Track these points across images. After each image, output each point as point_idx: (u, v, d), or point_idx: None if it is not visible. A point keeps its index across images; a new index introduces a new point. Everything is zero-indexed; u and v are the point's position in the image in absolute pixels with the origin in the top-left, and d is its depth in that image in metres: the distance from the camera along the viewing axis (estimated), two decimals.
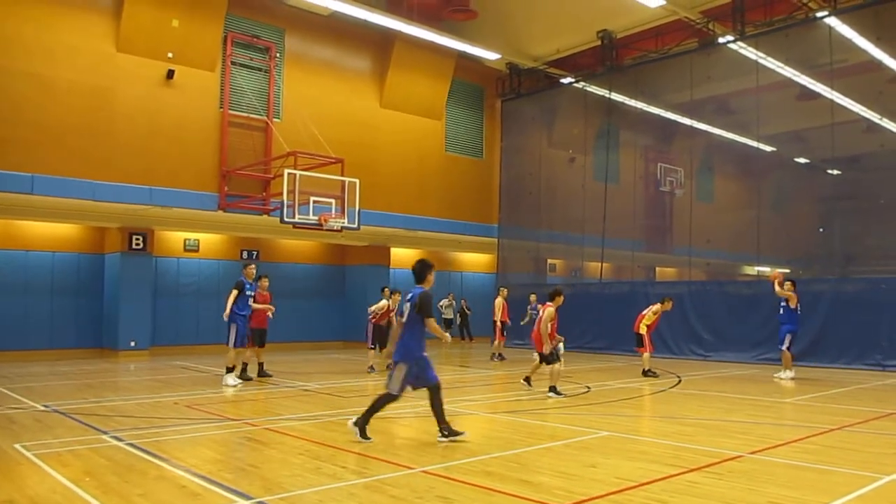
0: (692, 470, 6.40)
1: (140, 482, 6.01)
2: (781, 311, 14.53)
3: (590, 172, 23.48)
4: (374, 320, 15.48)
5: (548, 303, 11.72)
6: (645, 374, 14.64)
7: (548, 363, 11.45)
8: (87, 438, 7.85)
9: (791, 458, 6.94)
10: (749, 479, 6.07)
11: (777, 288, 14.14)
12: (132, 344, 18.93)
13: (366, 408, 7.79)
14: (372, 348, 15.59)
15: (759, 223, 19.15)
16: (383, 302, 15.55)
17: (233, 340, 12.83)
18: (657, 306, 15.11)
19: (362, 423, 7.67)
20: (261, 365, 14.09)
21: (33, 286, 18.90)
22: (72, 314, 19.51)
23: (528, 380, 12.28)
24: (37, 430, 8.45)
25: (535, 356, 12.08)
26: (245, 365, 13.75)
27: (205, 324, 20.12)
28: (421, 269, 8.05)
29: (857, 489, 5.77)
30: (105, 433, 8.13)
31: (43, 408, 10.12)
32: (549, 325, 11.40)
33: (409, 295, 7.94)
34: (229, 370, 12.79)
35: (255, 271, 13.46)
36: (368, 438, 7.60)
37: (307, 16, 20.54)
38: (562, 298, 11.74)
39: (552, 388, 11.24)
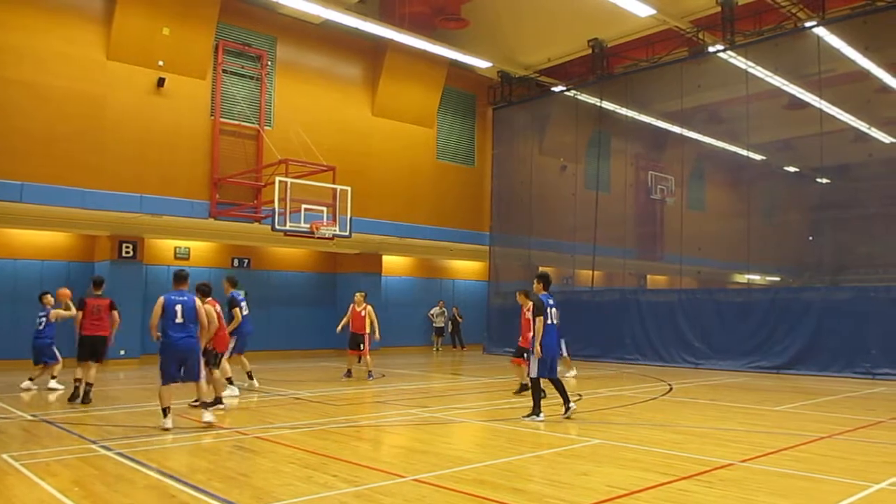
0: (683, 478, 6.41)
1: (129, 491, 5.97)
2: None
3: (581, 180, 23.55)
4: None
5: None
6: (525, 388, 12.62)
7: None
8: (75, 448, 7.80)
9: (782, 467, 6.95)
10: (740, 488, 6.08)
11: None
12: (122, 353, 18.80)
13: None
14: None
15: (750, 231, 19.24)
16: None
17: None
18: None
19: None
20: (87, 386, 11.69)
21: (22, 295, 18.71)
22: (60, 323, 19.33)
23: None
24: (25, 440, 8.39)
25: None
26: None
27: None
28: None
29: (848, 497, 5.78)
30: (94, 442, 8.08)
31: (31, 417, 10.05)
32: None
33: None
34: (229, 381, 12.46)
35: (232, 282, 13.49)
36: None
37: (299, 24, 20.55)
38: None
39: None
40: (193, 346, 9.23)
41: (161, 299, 9.19)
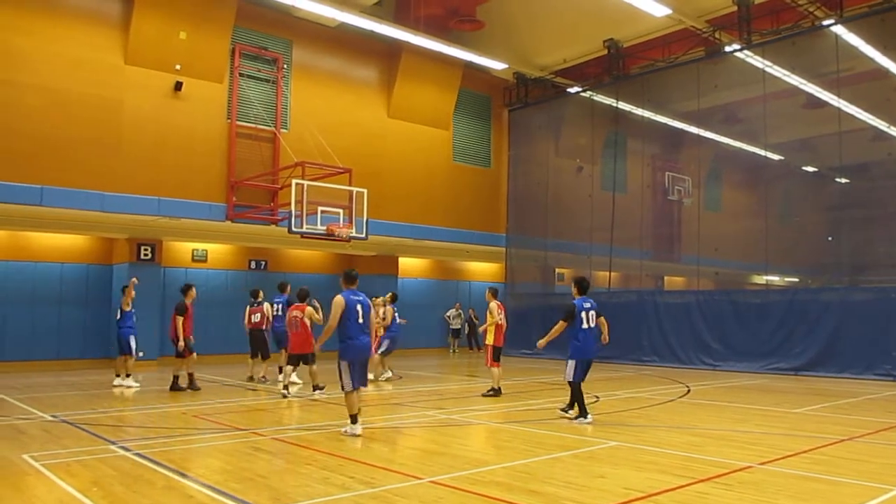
0: (701, 481, 6.37)
1: (147, 492, 6.02)
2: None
3: (597, 181, 23.47)
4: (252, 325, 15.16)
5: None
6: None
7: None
8: (94, 448, 7.87)
9: (801, 469, 6.89)
10: (758, 490, 6.04)
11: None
12: (140, 354, 18.88)
13: None
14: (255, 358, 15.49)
15: (768, 232, 19.09)
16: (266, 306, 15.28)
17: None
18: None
19: None
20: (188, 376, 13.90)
21: (41, 297, 18.98)
22: (80, 325, 19.57)
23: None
24: (45, 440, 8.47)
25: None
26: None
27: (213, 333, 20.13)
28: None
29: (867, 500, 5.73)
30: (113, 443, 8.15)
31: (51, 418, 10.15)
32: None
33: None
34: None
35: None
36: None
37: (314, 27, 20.64)
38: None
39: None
40: (370, 347, 9.06)
41: (342, 299, 8.51)
